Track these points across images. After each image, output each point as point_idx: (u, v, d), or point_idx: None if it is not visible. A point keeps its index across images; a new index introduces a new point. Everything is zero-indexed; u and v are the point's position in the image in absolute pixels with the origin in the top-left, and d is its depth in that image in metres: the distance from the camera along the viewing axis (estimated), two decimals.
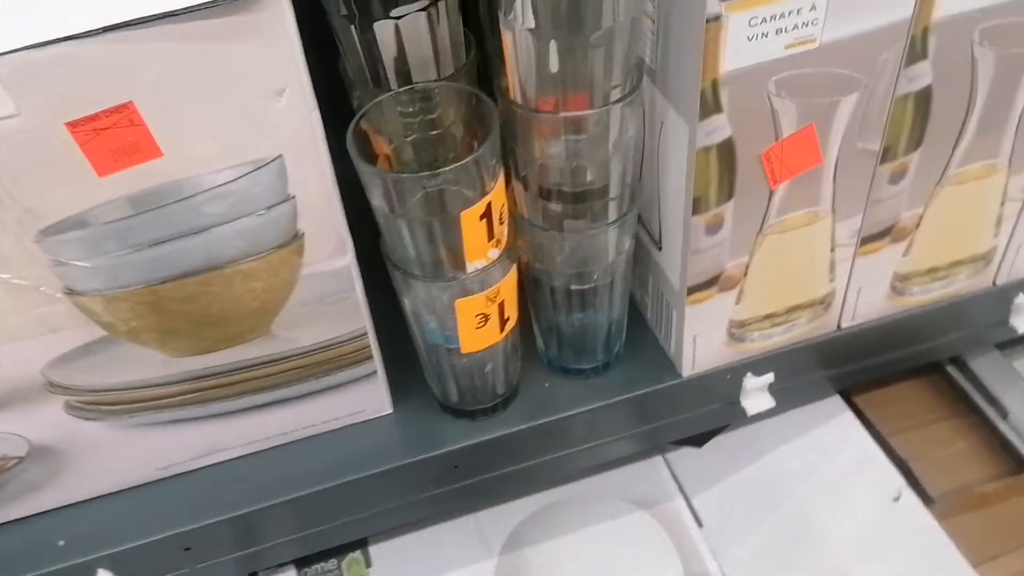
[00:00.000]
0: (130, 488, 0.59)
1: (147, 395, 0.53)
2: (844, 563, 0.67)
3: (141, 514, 0.58)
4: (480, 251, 0.51)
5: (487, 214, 0.50)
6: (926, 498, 0.72)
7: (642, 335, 0.66)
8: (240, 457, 0.60)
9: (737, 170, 0.52)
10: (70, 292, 0.47)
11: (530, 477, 0.65)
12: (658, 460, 0.75)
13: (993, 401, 0.84)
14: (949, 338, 0.71)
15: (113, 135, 0.42)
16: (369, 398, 0.61)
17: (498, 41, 0.51)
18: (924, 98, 0.53)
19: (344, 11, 0.53)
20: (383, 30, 0.53)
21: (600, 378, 0.64)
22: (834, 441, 0.74)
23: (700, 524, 0.70)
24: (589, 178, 0.53)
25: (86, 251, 0.45)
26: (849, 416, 0.75)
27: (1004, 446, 0.81)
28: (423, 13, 0.54)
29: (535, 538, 0.70)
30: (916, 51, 0.50)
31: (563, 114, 0.49)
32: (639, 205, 0.57)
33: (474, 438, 0.61)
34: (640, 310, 0.67)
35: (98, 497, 0.58)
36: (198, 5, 0.39)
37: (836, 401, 0.75)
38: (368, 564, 0.69)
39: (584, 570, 0.68)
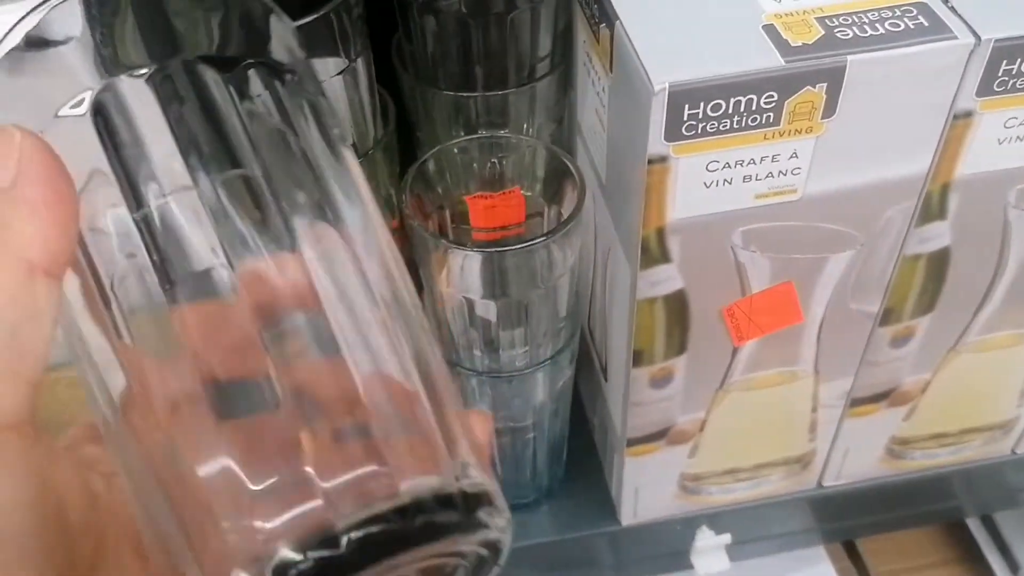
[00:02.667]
0: None
1: None
2: None
3: None
4: None
5: None
6: None
7: (588, 459, 0.56)
8: None
9: (691, 324, 0.42)
10: None
11: None
12: None
13: (1005, 551, 0.72)
14: (955, 503, 0.60)
15: None
16: None
17: (419, 102, 0.43)
18: (939, 261, 0.42)
19: None
20: None
21: (527, 514, 0.54)
22: None
23: None
24: (510, 320, 0.43)
25: None
26: (827, 570, 0.65)
27: None
28: (339, 78, 0.44)
29: None
30: (932, 210, 0.40)
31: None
32: (578, 336, 0.47)
33: None
34: (591, 430, 0.57)
35: None
36: None
37: (816, 552, 0.65)
38: None
39: None
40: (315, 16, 0.38)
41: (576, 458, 0.56)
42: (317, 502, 0.18)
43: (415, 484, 0.19)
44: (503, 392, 0.47)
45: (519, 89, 0.44)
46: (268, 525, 0.18)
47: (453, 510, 0.19)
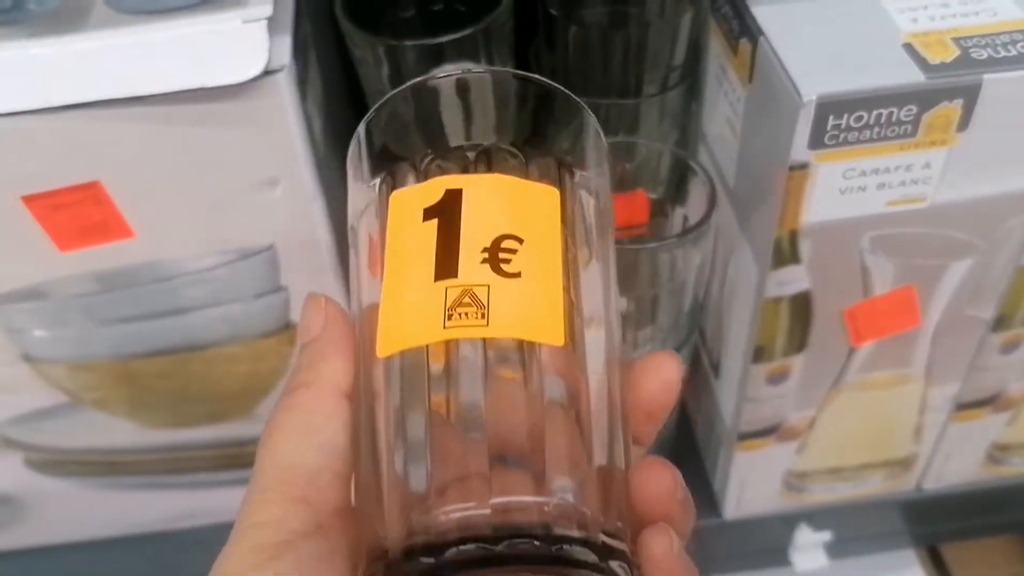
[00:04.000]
0: (96, 540, 0.54)
1: (116, 459, 0.48)
2: None
3: (102, 569, 0.54)
4: None
5: None
6: None
7: (689, 454, 0.58)
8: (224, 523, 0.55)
9: (812, 324, 0.44)
10: (28, 358, 0.42)
11: None
12: None
13: None
14: None
15: (76, 212, 0.36)
16: None
17: None
18: None
19: None
20: None
21: None
22: None
23: None
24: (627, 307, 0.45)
25: (46, 321, 0.40)
26: (918, 574, 0.66)
27: None
28: None
29: None
30: None
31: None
32: (696, 332, 0.49)
33: None
34: (691, 423, 0.60)
35: (60, 545, 0.54)
36: (180, 91, 0.33)
37: (907, 555, 0.66)
38: None
39: None
40: (473, 29, 0.41)
41: (675, 452, 0.58)
42: (486, 511, 0.22)
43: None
44: None
45: (651, 98, 0.46)
46: (445, 509, 0.22)
47: (593, 552, 0.22)
